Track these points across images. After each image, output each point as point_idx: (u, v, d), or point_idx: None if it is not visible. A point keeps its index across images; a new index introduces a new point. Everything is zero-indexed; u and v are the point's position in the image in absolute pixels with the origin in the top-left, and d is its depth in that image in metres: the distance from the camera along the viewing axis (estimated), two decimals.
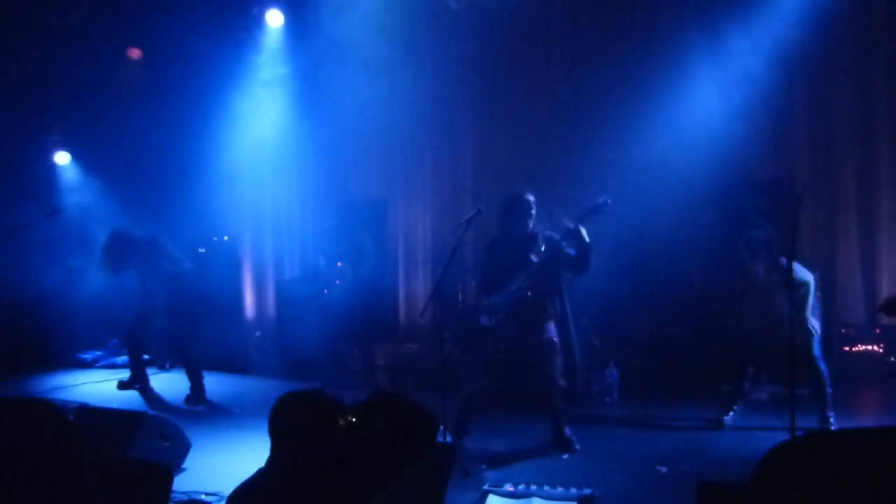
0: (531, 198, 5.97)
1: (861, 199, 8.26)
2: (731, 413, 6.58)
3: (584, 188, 8.86)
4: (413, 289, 10.05)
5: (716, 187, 8.37)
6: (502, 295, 5.83)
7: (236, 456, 6.03)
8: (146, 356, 8.66)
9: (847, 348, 7.77)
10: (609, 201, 5.84)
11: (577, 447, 5.84)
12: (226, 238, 10.51)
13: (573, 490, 4.86)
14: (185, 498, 4.71)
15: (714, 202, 8.34)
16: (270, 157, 10.36)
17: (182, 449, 5.65)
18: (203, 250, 10.13)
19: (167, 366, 9.38)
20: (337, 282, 8.64)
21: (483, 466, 5.10)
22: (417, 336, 9.52)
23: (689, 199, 8.33)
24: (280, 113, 10.05)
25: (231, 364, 9.32)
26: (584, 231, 5.81)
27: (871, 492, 1.89)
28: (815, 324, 6.28)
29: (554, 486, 4.90)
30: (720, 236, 7.76)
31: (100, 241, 7.99)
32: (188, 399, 7.73)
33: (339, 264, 8.73)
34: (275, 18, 9.82)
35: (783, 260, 5.74)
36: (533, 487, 4.90)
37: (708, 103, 8.22)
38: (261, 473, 2.70)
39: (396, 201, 10.24)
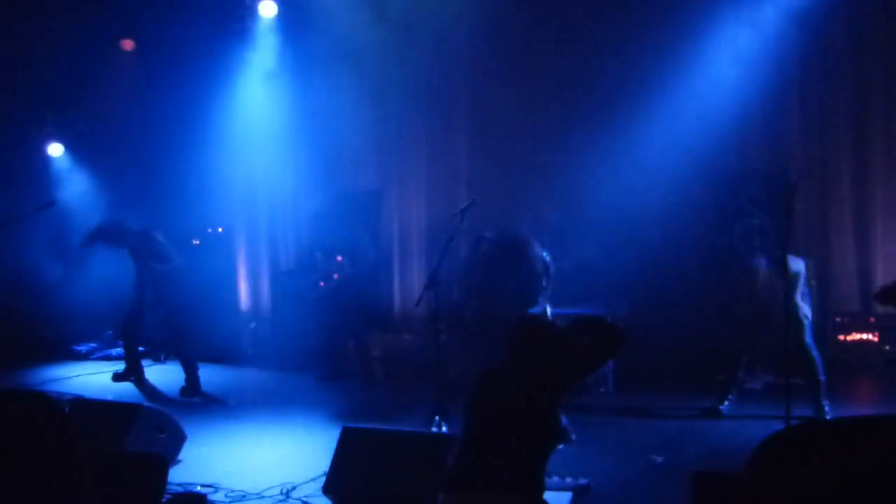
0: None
1: (855, 187, 8.28)
2: (726, 402, 6.60)
3: (578, 178, 8.89)
4: (408, 280, 10.04)
5: (710, 177, 8.38)
6: None
7: (232, 448, 6.04)
8: (141, 348, 8.64)
9: (842, 337, 7.79)
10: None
11: (573, 437, 5.86)
12: (220, 230, 10.48)
13: (569, 480, 4.87)
14: (180, 490, 4.71)
15: (708, 192, 8.35)
16: (264, 148, 10.32)
17: (177, 441, 5.65)
18: (197, 242, 10.10)
19: (162, 357, 9.37)
20: (335, 276, 8.63)
21: None
22: (413, 327, 9.52)
23: (683, 189, 8.34)
24: (274, 104, 10.01)
25: (226, 356, 9.31)
26: None
27: (866, 480, 1.90)
28: (806, 311, 6.29)
29: (549, 476, 4.90)
30: (714, 225, 7.77)
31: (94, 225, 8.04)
32: (183, 391, 7.72)
33: (338, 258, 8.72)
34: (268, 9, 9.75)
35: (778, 252, 5.76)
36: None
37: (702, 93, 8.21)
38: (496, 368, 3.64)
39: (391, 192, 10.21)
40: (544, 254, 6.80)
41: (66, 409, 5.49)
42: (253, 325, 10.30)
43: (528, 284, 6.58)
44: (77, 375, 8.75)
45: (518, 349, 3.63)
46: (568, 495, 4.68)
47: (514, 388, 3.49)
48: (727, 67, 8.24)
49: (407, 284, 10.03)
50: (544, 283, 6.69)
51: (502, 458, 3.34)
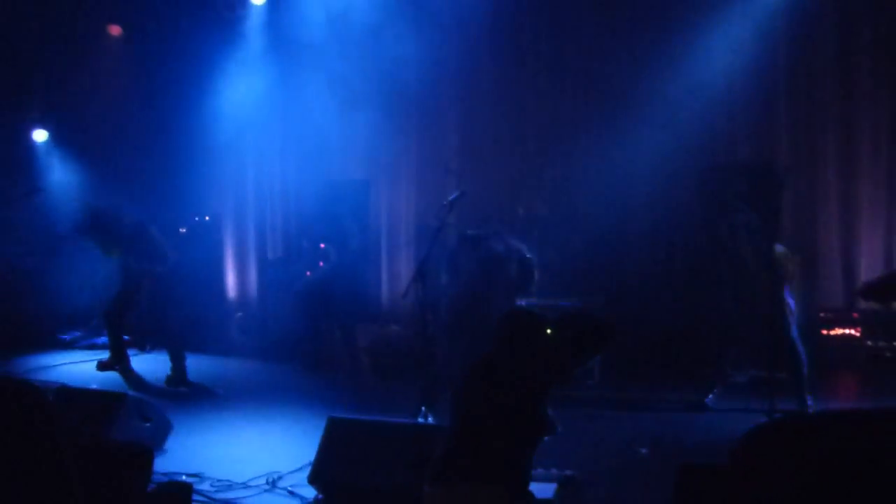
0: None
1: (841, 183, 8.33)
2: (712, 395, 6.64)
3: (565, 171, 8.91)
4: (396, 270, 10.04)
5: (697, 172, 8.41)
6: None
7: (217, 437, 6.03)
8: (126, 337, 8.59)
9: (825, 332, 7.84)
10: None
11: (559, 429, 5.86)
12: (207, 218, 10.43)
13: (554, 471, 4.89)
14: (165, 479, 4.69)
15: (695, 186, 8.38)
16: (253, 136, 10.26)
17: (163, 430, 5.63)
18: (184, 230, 10.05)
19: (147, 346, 9.32)
20: (321, 264, 8.61)
21: None
22: (400, 317, 9.51)
23: (670, 183, 8.37)
24: (263, 92, 9.95)
25: (212, 345, 9.28)
26: None
27: (847, 473, 1.92)
28: (789, 302, 6.32)
29: (535, 468, 4.92)
30: (702, 220, 7.79)
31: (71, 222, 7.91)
32: (169, 380, 7.69)
33: (321, 245, 8.71)
34: None
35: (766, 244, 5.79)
36: None
37: (690, 88, 8.23)
38: (484, 360, 3.61)
39: (379, 182, 10.19)
40: (527, 254, 6.87)
41: (51, 398, 5.46)
42: (240, 314, 10.27)
43: (496, 283, 6.66)
44: (62, 364, 8.70)
45: (507, 341, 3.62)
46: (553, 486, 4.70)
47: (501, 380, 3.49)
48: (715, 63, 8.27)
49: (395, 275, 10.02)
50: (526, 282, 6.81)
51: (488, 450, 3.35)
